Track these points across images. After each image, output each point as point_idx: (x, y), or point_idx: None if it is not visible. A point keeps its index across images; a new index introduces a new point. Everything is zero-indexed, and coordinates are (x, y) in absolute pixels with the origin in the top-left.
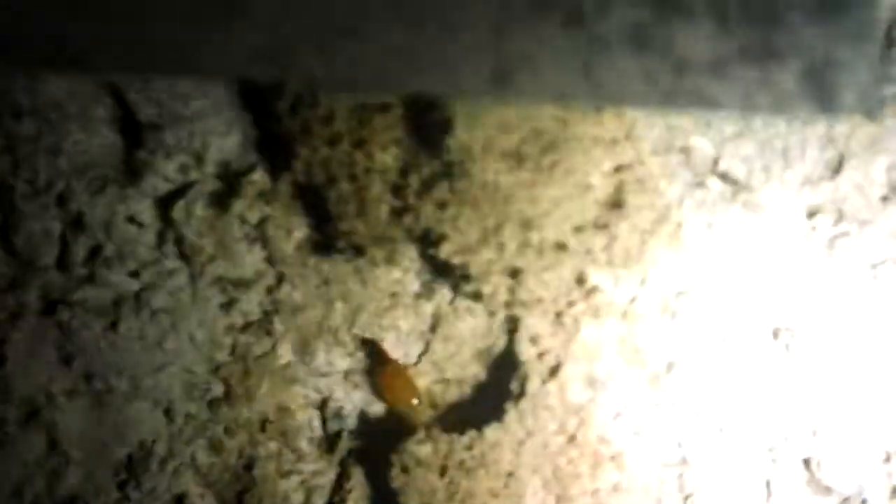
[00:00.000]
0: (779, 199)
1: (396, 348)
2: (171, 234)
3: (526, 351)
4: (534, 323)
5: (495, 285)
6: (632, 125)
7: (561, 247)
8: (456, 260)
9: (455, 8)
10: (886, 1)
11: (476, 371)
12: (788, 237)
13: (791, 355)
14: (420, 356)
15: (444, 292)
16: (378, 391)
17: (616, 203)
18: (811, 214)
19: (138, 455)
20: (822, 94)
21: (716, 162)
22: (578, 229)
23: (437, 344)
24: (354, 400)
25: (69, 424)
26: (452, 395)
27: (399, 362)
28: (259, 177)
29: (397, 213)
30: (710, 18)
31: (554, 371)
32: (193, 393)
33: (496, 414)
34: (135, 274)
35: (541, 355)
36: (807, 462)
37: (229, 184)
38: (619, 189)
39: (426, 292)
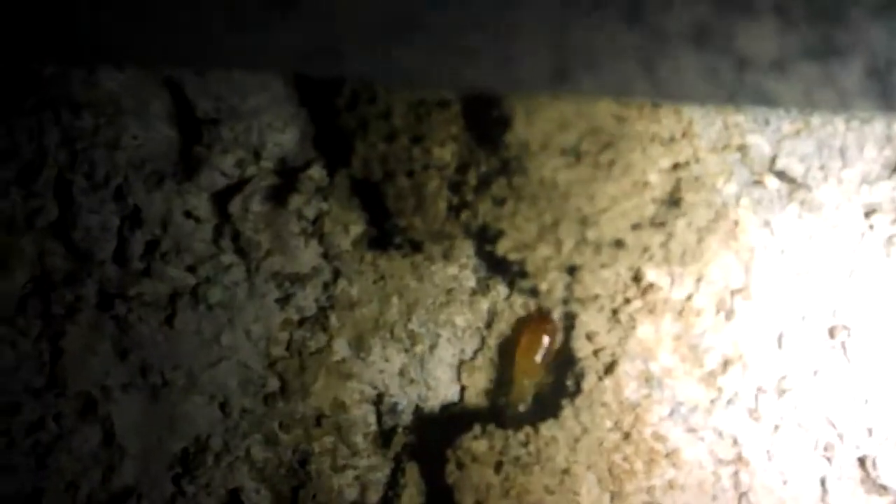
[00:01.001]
0: (836, 197)
1: (452, 344)
2: (227, 229)
3: (582, 348)
4: (590, 320)
5: (552, 282)
6: (689, 123)
7: (618, 244)
8: (513, 256)
9: (516, 4)
10: None
11: None
12: (845, 236)
13: (847, 354)
14: (476, 352)
15: (500, 288)
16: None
17: (673, 201)
18: (869, 213)
19: (194, 449)
20: (883, 92)
21: (773, 160)
22: (635, 227)
23: (492, 340)
24: (410, 395)
25: (125, 418)
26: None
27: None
28: (316, 172)
29: (455, 209)
30: (773, 16)
31: (610, 368)
32: (249, 388)
33: (552, 410)
34: (191, 268)
35: (597, 352)
36: (862, 461)
37: (286, 179)
38: (677, 187)
39: (482, 288)
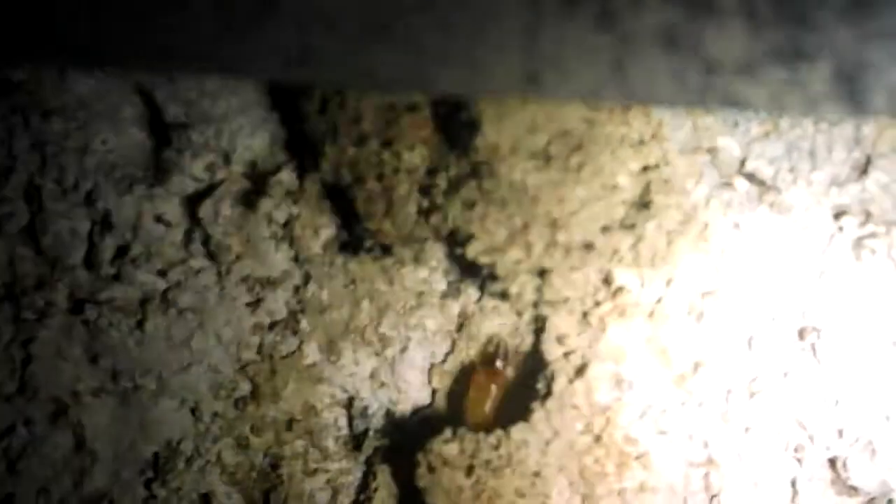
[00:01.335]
0: (806, 199)
1: (423, 348)
2: (198, 234)
3: (552, 350)
4: (560, 322)
5: (522, 285)
6: (659, 125)
7: (588, 247)
8: (483, 259)
9: (485, 7)
10: None
11: None
12: (815, 238)
13: (817, 355)
14: (446, 355)
15: (470, 292)
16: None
17: (643, 203)
18: (838, 215)
19: (165, 454)
20: (851, 95)
21: (743, 162)
22: (605, 229)
23: (463, 343)
24: (381, 399)
25: (96, 423)
26: None
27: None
28: (286, 176)
29: (425, 213)
30: (741, 19)
31: (580, 371)
32: (220, 392)
33: (523, 413)
34: (162, 273)
35: (567, 355)
36: (832, 462)
37: (257, 183)
38: (646, 189)
39: (453, 292)
